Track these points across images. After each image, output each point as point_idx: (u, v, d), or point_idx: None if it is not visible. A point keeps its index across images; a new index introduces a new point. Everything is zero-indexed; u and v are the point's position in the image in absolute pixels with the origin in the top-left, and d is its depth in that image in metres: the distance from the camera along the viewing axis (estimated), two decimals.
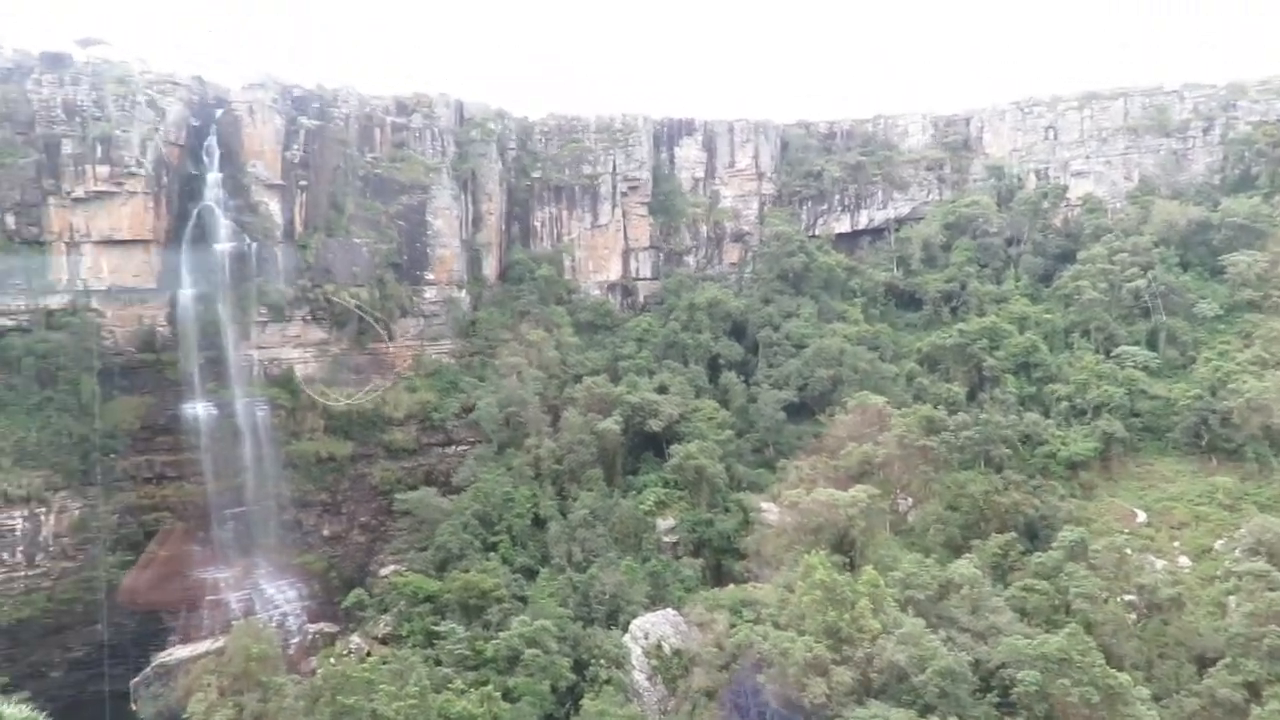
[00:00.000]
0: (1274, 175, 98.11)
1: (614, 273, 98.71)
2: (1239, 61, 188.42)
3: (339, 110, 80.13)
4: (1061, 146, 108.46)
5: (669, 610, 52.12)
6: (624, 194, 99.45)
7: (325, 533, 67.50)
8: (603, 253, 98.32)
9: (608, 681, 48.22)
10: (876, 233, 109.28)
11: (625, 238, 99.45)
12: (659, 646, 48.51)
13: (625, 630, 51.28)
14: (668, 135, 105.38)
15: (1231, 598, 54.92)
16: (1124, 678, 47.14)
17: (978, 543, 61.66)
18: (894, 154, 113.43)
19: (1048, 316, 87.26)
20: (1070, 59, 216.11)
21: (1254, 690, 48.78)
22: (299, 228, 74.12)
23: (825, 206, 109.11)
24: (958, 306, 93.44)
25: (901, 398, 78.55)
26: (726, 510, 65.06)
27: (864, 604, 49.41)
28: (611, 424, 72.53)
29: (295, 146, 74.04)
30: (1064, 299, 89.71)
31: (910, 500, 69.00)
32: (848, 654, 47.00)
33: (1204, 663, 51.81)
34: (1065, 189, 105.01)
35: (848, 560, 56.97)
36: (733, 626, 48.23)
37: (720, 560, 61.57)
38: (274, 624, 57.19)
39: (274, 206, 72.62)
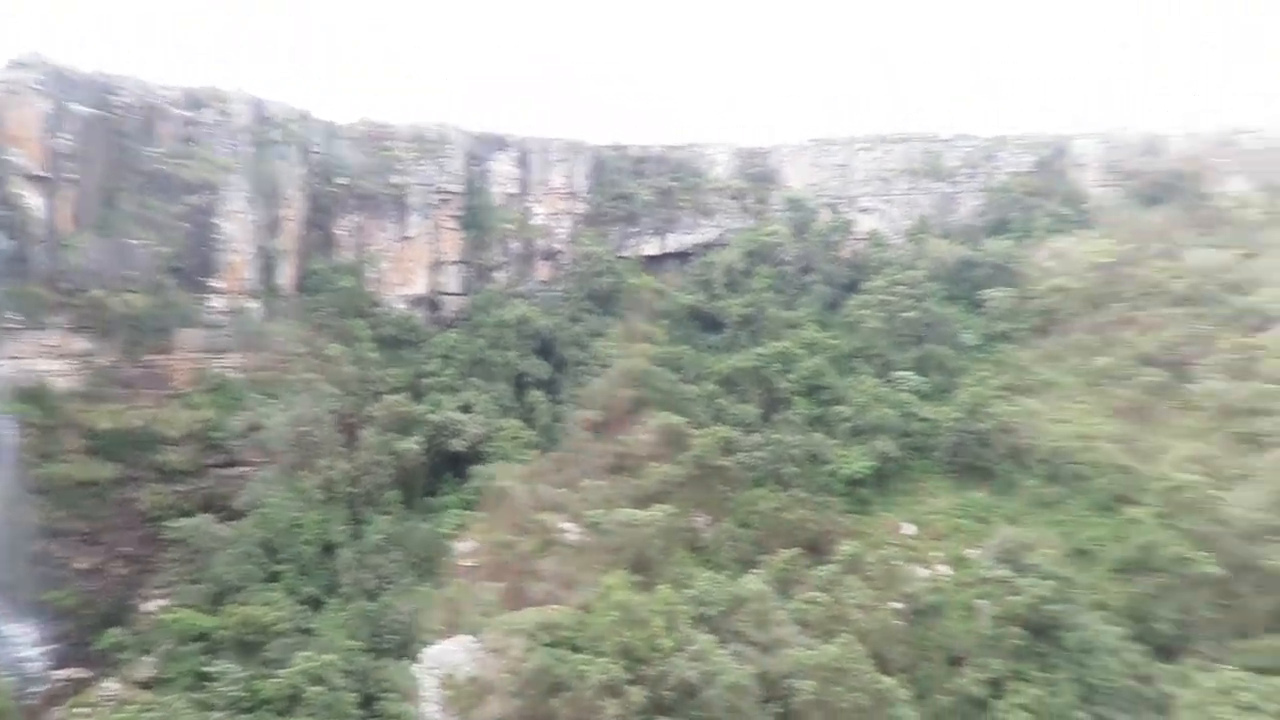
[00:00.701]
0: (1026, 221, 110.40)
1: (420, 286, 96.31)
2: (1002, 116, 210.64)
3: (119, 98, 73.50)
4: (852, 184, 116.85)
5: (465, 637, 51.21)
6: (434, 206, 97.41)
7: (80, 565, 61.05)
8: (409, 265, 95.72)
9: (396, 716, 46.72)
10: (683, 256, 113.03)
11: (434, 251, 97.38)
12: (452, 676, 47.54)
13: (418, 660, 49.95)
14: (482, 149, 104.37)
15: (981, 601, 60.70)
16: (890, 681, 51.18)
17: (766, 558, 64.81)
18: (702, 181, 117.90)
19: (834, 342, 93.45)
20: (865, 101, 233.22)
21: (997, 686, 54.34)
22: (66, 225, 67.30)
23: (636, 229, 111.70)
24: (756, 330, 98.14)
25: (701, 418, 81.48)
26: (528, 532, 64.93)
27: (659, 622, 50.80)
28: (412, 444, 70.61)
29: (64, 135, 67.29)
30: (849, 326, 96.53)
31: (707, 518, 71.62)
32: (642, 673, 48.10)
33: (957, 662, 57.11)
34: (853, 223, 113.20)
35: (646, 579, 58.35)
36: (529, 651, 48.09)
37: (521, 583, 61.25)
38: (11, 672, 51.15)
39: (35, 200, 65.63)
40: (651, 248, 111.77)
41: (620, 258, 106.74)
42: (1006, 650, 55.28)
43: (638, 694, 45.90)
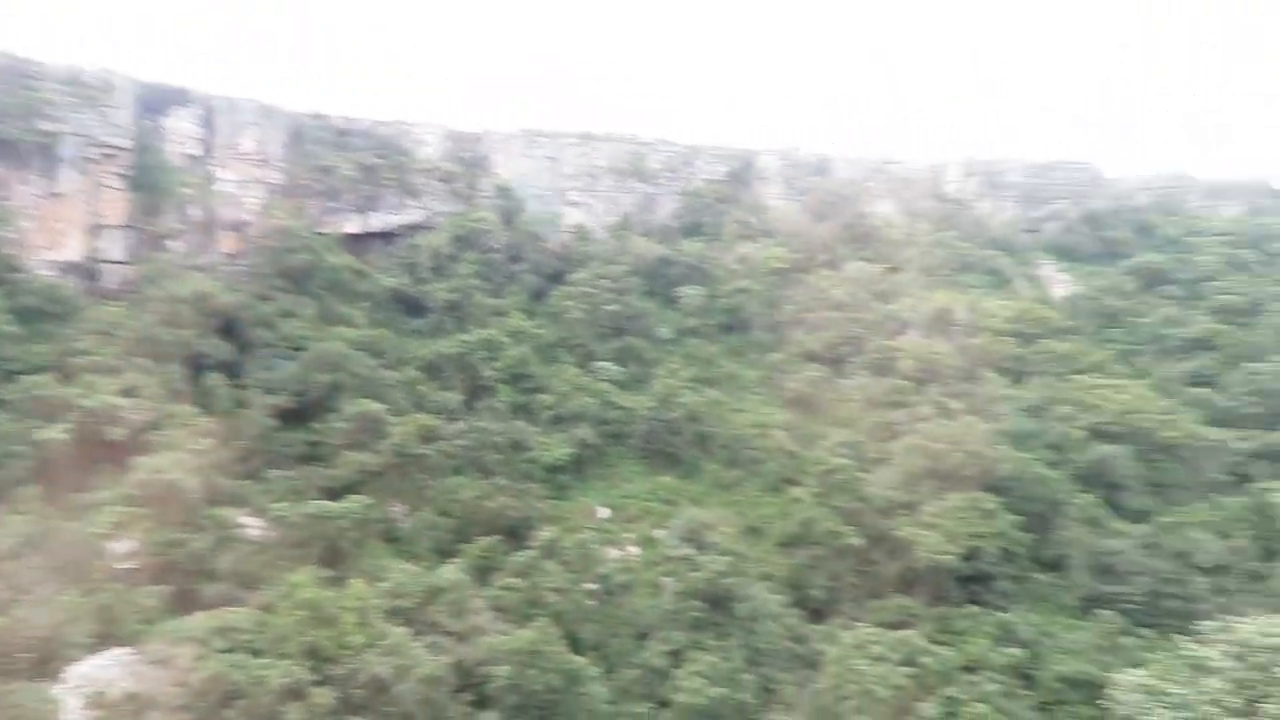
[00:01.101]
0: (717, 225, 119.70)
1: (73, 251, 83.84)
2: (699, 126, 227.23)
3: None
4: (561, 177, 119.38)
5: (121, 649, 45.64)
6: (94, 161, 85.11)
7: None
8: (59, 226, 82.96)
9: None
10: (388, 237, 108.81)
11: (91, 212, 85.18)
12: (104, 694, 42.16)
13: (59, 680, 43.67)
14: (156, 102, 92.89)
15: (666, 578, 65.03)
16: (581, 660, 53.29)
17: (466, 547, 64.55)
18: (409, 160, 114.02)
19: (539, 331, 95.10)
20: (575, 98, 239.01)
21: (677, 656, 58.51)
22: None
23: (336, 204, 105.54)
24: (462, 317, 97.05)
25: (402, 405, 79.10)
26: (201, 528, 59.15)
27: (350, 619, 48.73)
28: (57, 432, 61.45)
29: None
30: (554, 316, 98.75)
31: (404, 508, 69.81)
32: (330, 673, 45.89)
33: (644, 636, 60.73)
34: (561, 216, 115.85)
35: (337, 574, 55.68)
36: (200, 659, 43.95)
37: (192, 585, 55.69)
38: None
39: None
40: (353, 225, 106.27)
41: (318, 234, 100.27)
42: (687, 622, 59.62)
43: (324, 695, 43.72)
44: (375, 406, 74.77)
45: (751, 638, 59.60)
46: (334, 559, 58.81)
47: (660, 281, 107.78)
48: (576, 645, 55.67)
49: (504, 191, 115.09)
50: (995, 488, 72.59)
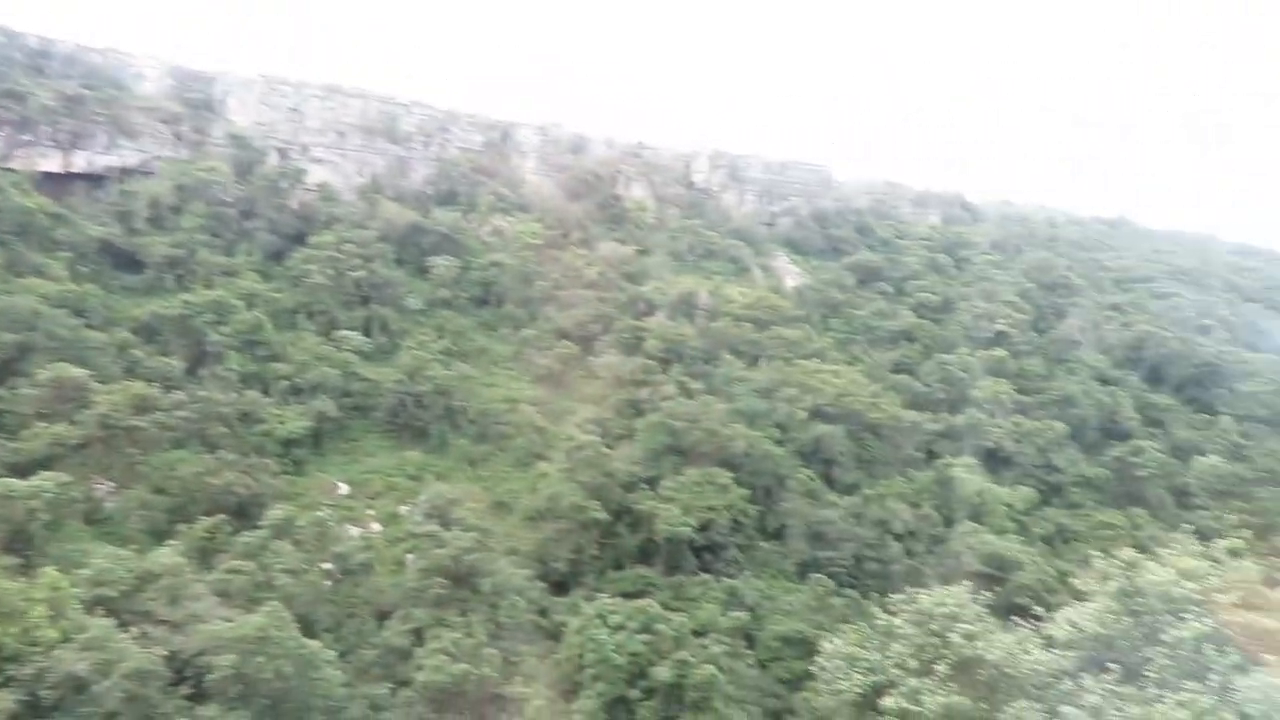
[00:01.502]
0: (472, 196, 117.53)
1: None
2: (455, 91, 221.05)
3: None
4: (305, 131, 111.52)
5: None
6: None
7: None
8: None
9: None
10: (96, 180, 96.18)
11: None
12: None
13: None
14: None
15: (410, 556, 63.50)
16: (315, 644, 50.63)
17: (185, 527, 59.06)
18: (125, 95, 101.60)
19: (276, 295, 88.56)
20: (319, 49, 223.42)
21: (419, 635, 57.42)
22: None
23: (30, 137, 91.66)
24: (185, 275, 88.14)
25: (111, 371, 70.57)
26: None
27: (40, 612, 42.94)
28: None
29: None
30: (293, 280, 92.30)
31: (111, 486, 62.52)
32: (14, 674, 40.25)
33: (384, 616, 58.97)
34: (304, 173, 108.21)
35: (25, 562, 48.88)
36: None
37: None
38: None
39: None
40: (52, 164, 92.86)
41: (7, 169, 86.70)
42: (430, 600, 58.55)
43: (4, 698, 38.32)
44: (76, 372, 66.02)
45: (495, 612, 59.69)
46: (22, 544, 51.58)
47: (411, 250, 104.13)
48: (310, 629, 52.84)
49: (239, 141, 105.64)
50: (728, 463, 77.83)
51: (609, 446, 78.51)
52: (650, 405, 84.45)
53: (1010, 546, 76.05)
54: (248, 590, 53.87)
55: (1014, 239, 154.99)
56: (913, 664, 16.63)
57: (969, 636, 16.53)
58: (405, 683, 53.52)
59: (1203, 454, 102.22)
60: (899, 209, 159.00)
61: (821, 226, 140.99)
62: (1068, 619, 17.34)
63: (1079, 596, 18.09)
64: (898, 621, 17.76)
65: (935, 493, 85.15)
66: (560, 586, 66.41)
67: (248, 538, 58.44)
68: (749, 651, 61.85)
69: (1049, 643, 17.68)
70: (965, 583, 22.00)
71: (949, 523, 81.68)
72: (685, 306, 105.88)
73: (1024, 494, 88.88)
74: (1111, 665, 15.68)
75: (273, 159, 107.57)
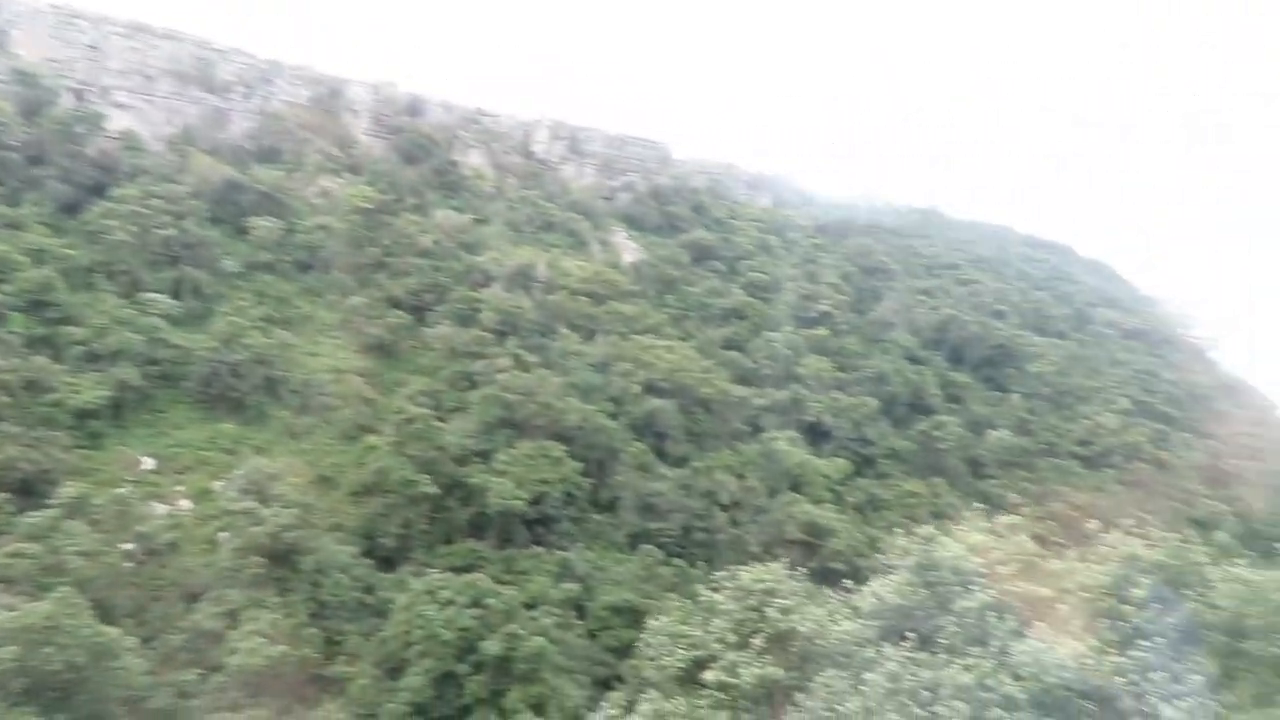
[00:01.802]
0: (298, 154, 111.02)
1: None
2: (279, 40, 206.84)
3: None
4: (106, 72, 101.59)
5: None
6: None
7: None
8: None
9: None
10: None
11: None
12: None
13: None
14: None
15: (224, 534, 59.99)
16: (113, 631, 47.03)
17: None
18: None
19: (70, 252, 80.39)
20: None
21: (234, 617, 54.49)
22: None
23: None
24: None
25: None
26: None
27: None
28: None
29: None
30: (90, 235, 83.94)
31: None
32: None
33: (195, 599, 55.51)
34: (104, 118, 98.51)
35: None
36: None
37: None
38: None
39: None
40: None
41: None
42: (246, 580, 55.62)
43: None
44: None
45: (318, 591, 57.63)
46: None
47: (228, 209, 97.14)
48: (109, 615, 49.04)
49: (26, 77, 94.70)
50: (562, 436, 78.22)
51: (441, 419, 77.00)
52: (485, 378, 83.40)
53: (826, 515, 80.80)
54: (35, 575, 49.37)
55: (838, 224, 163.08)
56: (732, 638, 17.50)
57: (784, 611, 17.53)
58: (217, 668, 50.74)
59: (995, 428, 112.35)
60: (733, 190, 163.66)
61: (659, 203, 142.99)
62: (872, 591, 18.76)
63: (884, 571, 19.51)
64: (719, 597, 18.59)
65: (760, 465, 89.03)
66: (388, 562, 64.78)
67: (34, 518, 53.44)
68: (579, 622, 62.79)
69: (856, 613, 19.05)
70: (783, 555, 23.24)
71: (772, 493, 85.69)
72: (522, 278, 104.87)
73: (840, 465, 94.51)
74: (909, 634, 17.10)
75: (67, 101, 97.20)
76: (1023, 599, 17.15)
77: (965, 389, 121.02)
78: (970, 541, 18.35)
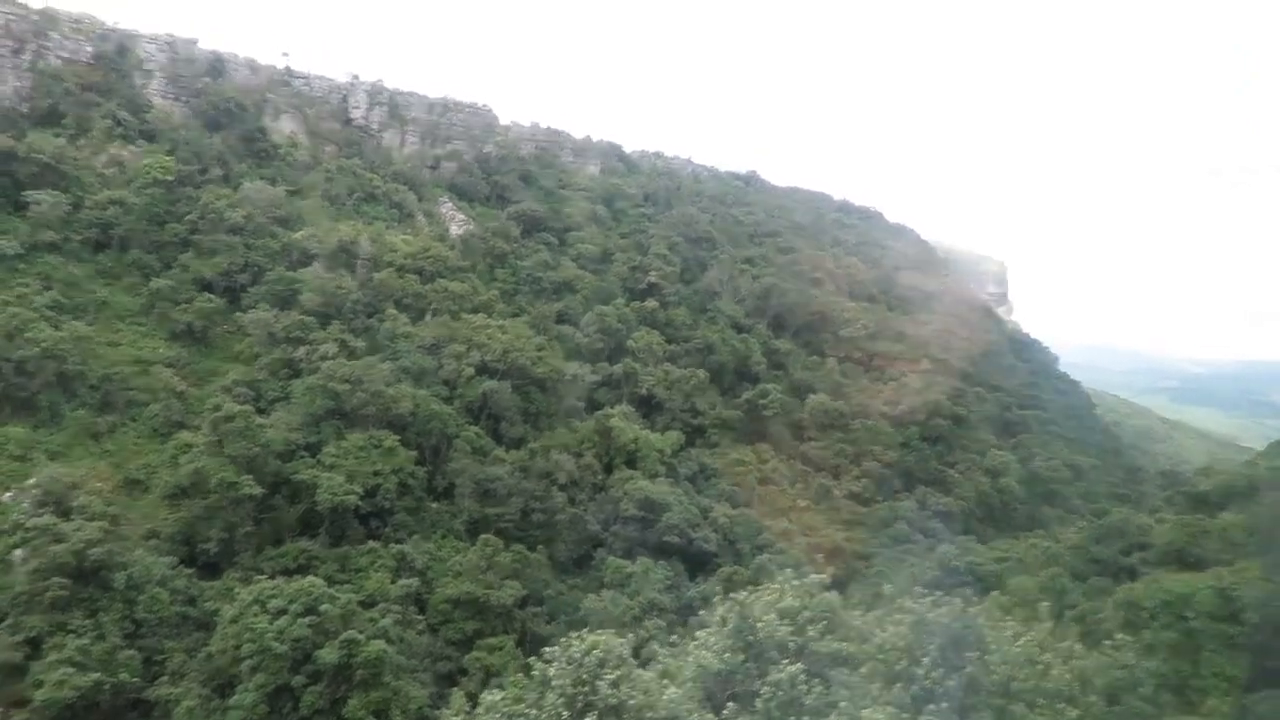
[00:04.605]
0: (83, 119, 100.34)
1: None
2: None
3: None
4: None
5: None
6: None
7: None
8: None
9: None
10: None
11: None
12: None
13: None
14: None
15: (18, 553, 54.96)
16: None
17: None
18: None
19: None
20: None
21: (37, 645, 50.36)
22: None
23: None
24: None
25: None
26: None
27: None
28: None
29: None
30: None
31: None
32: None
33: None
34: None
35: None
36: None
37: None
38: None
39: None
40: None
41: None
42: (48, 604, 51.49)
43: None
44: None
45: (133, 609, 54.20)
46: None
47: (1, 181, 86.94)
48: None
49: None
50: (394, 424, 76.48)
51: (262, 412, 73.29)
52: (308, 365, 79.78)
53: (660, 489, 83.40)
54: None
55: (663, 192, 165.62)
56: (565, 714, 17.99)
57: (614, 683, 18.22)
58: (21, 702, 47.03)
59: (814, 392, 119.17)
60: (561, 158, 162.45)
61: (486, 173, 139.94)
62: (694, 659, 20.02)
63: (704, 637, 20.63)
64: (552, 671, 19.03)
65: (595, 441, 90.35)
66: (211, 570, 61.57)
67: None
68: (420, 617, 62.25)
69: (678, 679, 20.18)
70: (620, 533, 23.71)
71: (609, 470, 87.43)
72: (344, 256, 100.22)
73: (672, 438, 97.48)
74: (729, 701, 18.37)
75: None
76: (831, 660, 18.82)
77: (787, 355, 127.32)
78: (782, 606, 19.83)
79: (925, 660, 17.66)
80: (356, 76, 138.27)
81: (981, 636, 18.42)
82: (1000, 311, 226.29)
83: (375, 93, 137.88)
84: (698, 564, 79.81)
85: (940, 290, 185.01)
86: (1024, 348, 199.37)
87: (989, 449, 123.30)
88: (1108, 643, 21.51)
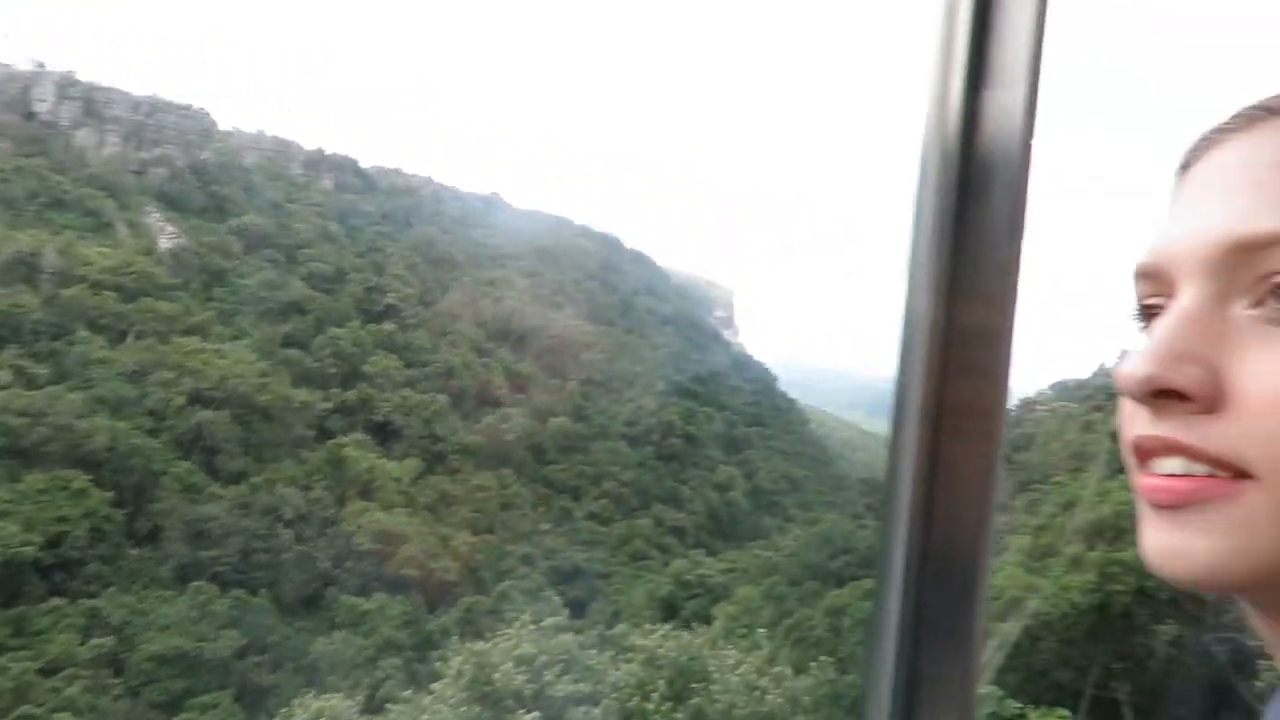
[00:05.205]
0: None
1: None
2: None
3: None
4: None
5: None
6: None
7: None
8: None
9: None
10: None
11: None
12: None
13: None
14: None
15: None
16: None
17: None
18: None
19: None
20: None
21: None
22: None
23: None
24: None
25: None
26: None
27: None
28: None
29: None
30: None
31: None
32: None
33: None
34: None
35: None
36: None
37: None
38: None
39: None
40: None
41: None
42: None
43: None
44: None
45: None
46: None
47: None
48: None
49: None
50: (86, 462, 67.82)
51: None
52: None
53: (398, 520, 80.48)
54: None
55: (403, 211, 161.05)
56: None
57: None
58: None
59: (556, 416, 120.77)
60: (290, 169, 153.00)
61: (202, 182, 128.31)
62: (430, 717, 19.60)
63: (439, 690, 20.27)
64: None
65: (327, 473, 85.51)
66: None
67: None
68: (116, 680, 55.35)
69: None
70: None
71: (341, 502, 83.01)
72: (24, 269, 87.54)
73: (410, 466, 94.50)
74: None
75: None
76: (568, 701, 19.20)
77: (529, 379, 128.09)
78: (518, 654, 19.96)
79: (654, 695, 18.45)
80: (42, 64, 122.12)
81: (705, 667, 19.54)
82: (727, 335, 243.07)
83: (66, 84, 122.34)
84: (439, 595, 77.77)
85: (674, 314, 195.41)
86: (747, 368, 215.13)
87: (718, 465, 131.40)
88: (813, 665, 23.78)
